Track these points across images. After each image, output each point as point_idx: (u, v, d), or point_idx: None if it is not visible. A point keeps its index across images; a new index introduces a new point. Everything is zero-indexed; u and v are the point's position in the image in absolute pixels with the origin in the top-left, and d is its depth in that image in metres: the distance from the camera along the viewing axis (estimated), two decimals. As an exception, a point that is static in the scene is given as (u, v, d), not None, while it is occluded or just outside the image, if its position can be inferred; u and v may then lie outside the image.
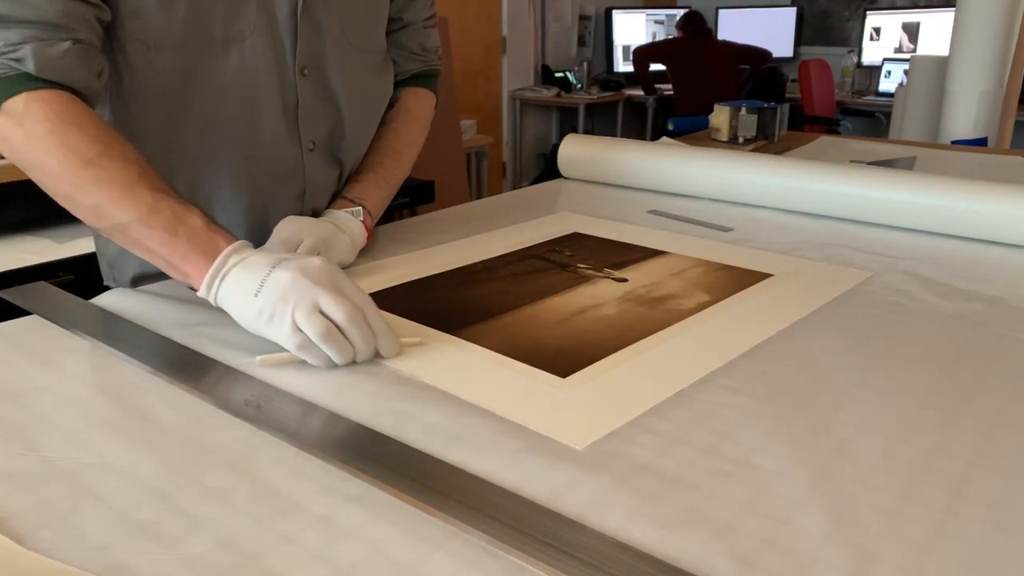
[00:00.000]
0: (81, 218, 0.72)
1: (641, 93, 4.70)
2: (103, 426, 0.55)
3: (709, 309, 0.76)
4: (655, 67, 4.43)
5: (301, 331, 0.61)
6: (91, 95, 0.75)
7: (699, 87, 4.14)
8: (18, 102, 0.70)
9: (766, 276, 0.85)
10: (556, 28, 4.83)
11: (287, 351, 0.62)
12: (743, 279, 0.84)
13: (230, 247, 0.66)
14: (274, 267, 0.63)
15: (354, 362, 0.63)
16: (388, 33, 0.98)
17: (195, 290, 0.67)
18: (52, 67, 0.70)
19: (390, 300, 0.77)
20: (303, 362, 0.62)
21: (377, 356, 0.64)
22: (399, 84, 1.02)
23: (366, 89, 0.95)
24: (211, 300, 0.66)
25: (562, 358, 0.65)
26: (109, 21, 0.76)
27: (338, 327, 0.61)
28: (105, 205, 0.68)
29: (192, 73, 0.80)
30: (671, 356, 0.66)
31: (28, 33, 0.70)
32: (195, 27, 0.79)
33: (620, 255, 0.92)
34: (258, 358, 0.63)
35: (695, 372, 0.63)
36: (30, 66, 0.69)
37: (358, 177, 0.96)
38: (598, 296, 0.79)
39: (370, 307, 0.63)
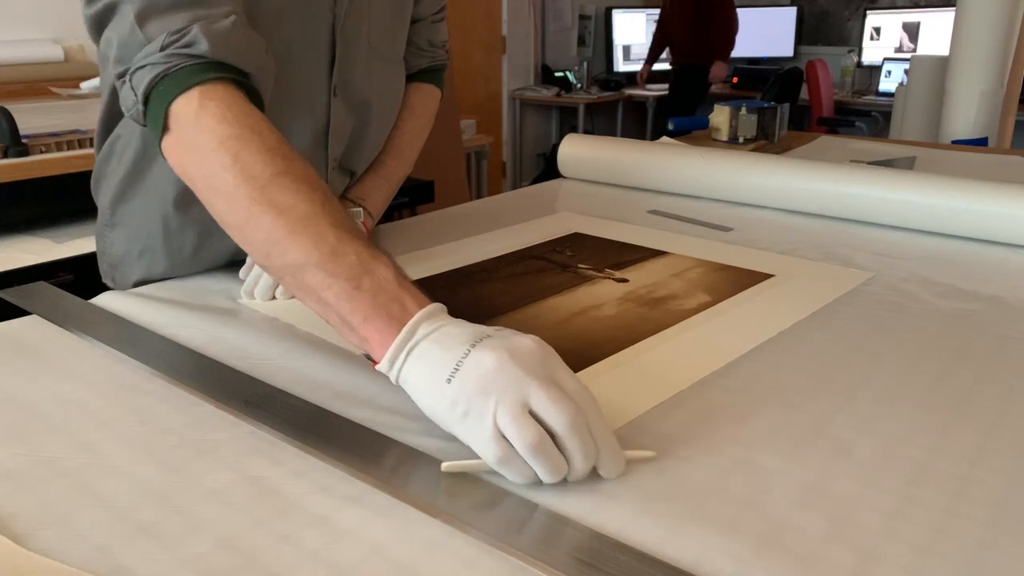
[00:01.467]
0: (251, 254, 0.62)
1: (642, 93, 4.71)
2: (103, 426, 0.55)
3: (710, 310, 0.76)
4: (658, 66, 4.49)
5: (504, 438, 0.46)
6: (264, 80, 0.68)
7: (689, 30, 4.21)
8: (190, 101, 0.61)
9: (767, 277, 0.85)
10: (556, 28, 4.83)
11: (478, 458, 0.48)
12: (744, 280, 0.84)
13: (421, 312, 0.51)
14: (474, 345, 0.48)
15: (564, 480, 0.48)
16: None
17: (374, 363, 0.53)
18: (225, 46, 0.62)
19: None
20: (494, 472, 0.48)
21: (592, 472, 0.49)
22: (406, 79, 1.00)
23: (388, 99, 0.94)
24: (392, 378, 0.52)
25: (563, 359, 0.65)
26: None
27: (553, 435, 0.46)
28: (280, 240, 0.56)
29: None
30: (672, 357, 0.66)
31: (190, 14, 0.63)
32: None
33: (621, 255, 0.92)
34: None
35: (696, 372, 0.63)
36: (203, 47, 0.61)
37: (360, 177, 0.95)
38: (599, 296, 0.79)
39: (592, 407, 0.48)
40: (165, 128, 0.62)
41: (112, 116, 0.83)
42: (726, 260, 0.91)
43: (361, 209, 0.90)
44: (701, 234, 1.02)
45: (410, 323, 0.51)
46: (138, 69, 0.63)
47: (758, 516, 0.45)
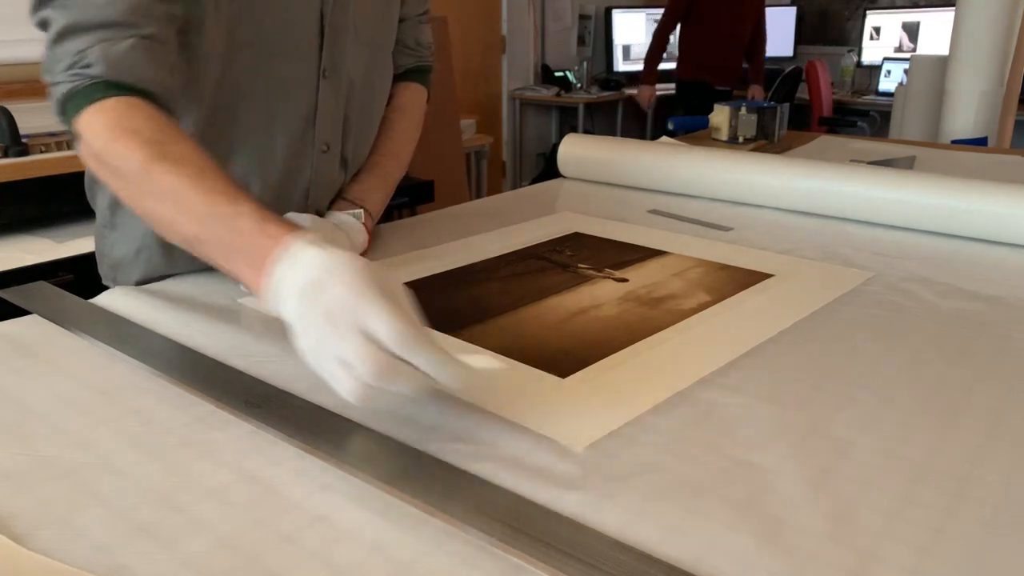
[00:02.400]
0: (169, 240, 0.67)
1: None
2: (103, 426, 0.55)
3: (710, 309, 0.76)
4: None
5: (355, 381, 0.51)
6: (165, 93, 0.71)
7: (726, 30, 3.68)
8: (85, 120, 0.66)
9: (767, 276, 0.85)
10: (556, 28, 4.83)
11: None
12: (744, 279, 0.84)
13: (273, 275, 0.55)
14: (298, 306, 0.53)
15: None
16: None
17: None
18: (119, 65, 0.67)
19: (390, 300, 0.77)
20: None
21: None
22: (393, 79, 1.02)
23: (376, 87, 0.95)
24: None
25: (562, 358, 0.65)
26: (183, 17, 0.73)
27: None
28: (172, 222, 0.63)
29: (219, 80, 0.79)
30: (672, 356, 0.66)
31: (94, 36, 0.67)
32: (234, 32, 0.77)
33: (621, 255, 0.92)
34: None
35: (695, 372, 0.63)
36: (99, 68, 0.66)
37: (358, 177, 0.96)
38: (598, 296, 0.79)
39: (412, 341, 0.51)
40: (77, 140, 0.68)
41: None
42: (726, 260, 0.91)
43: (362, 210, 0.90)
44: (701, 234, 1.02)
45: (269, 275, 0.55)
46: (54, 85, 0.69)
47: (758, 516, 0.45)
